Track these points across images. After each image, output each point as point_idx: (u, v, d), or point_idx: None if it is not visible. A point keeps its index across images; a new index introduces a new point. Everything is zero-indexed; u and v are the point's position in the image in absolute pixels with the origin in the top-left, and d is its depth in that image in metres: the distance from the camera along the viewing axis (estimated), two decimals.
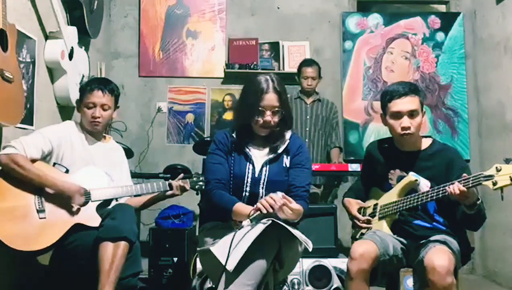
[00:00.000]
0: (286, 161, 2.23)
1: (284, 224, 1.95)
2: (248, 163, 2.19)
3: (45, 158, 2.46)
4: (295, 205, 2.00)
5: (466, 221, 2.20)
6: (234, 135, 2.25)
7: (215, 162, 2.22)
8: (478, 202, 2.09)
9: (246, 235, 1.89)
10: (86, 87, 2.59)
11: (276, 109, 2.16)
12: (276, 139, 2.23)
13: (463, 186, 2.02)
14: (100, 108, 2.55)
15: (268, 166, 2.19)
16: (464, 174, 2.07)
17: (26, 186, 2.33)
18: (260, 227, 1.89)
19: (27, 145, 2.35)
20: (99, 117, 2.55)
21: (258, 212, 1.96)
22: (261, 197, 2.14)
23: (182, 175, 2.70)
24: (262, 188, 2.16)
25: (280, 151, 2.22)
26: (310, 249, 2.07)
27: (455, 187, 2.03)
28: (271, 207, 1.95)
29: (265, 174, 2.18)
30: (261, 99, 2.14)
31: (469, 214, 2.12)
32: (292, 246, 2.06)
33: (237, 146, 2.23)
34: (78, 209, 2.36)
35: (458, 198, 2.06)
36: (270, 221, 1.92)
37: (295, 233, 1.98)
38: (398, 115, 2.29)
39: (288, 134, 2.27)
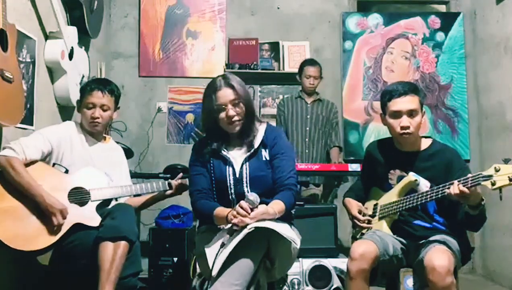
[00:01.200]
0: (265, 154, 2.23)
1: (268, 226, 1.94)
2: (227, 167, 2.19)
3: (45, 158, 2.46)
4: (266, 212, 1.99)
5: (468, 222, 2.19)
6: (209, 142, 2.24)
7: (195, 173, 2.24)
8: (482, 203, 2.08)
9: (231, 240, 1.91)
10: (86, 88, 2.59)
11: (236, 101, 2.16)
12: (248, 132, 2.22)
13: (463, 186, 2.02)
14: (99, 108, 2.55)
15: (247, 163, 2.19)
16: (469, 175, 2.07)
17: None
18: (244, 232, 1.90)
19: (27, 147, 2.35)
20: (98, 118, 2.55)
21: (235, 227, 1.95)
22: None
23: (181, 174, 2.71)
24: (246, 186, 2.15)
25: (256, 145, 2.22)
26: (298, 246, 2.09)
27: (455, 188, 2.03)
28: (244, 216, 1.94)
29: (246, 172, 2.17)
30: (216, 98, 2.16)
31: (471, 215, 2.11)
32: (282, 243, 2.04)
33: (214, 152, 2.23)
34: (59, 228, 2.29)
35: (458, 199, 2.06)
36: (253, 229, 1.91)
37: (280, 231, 1.97)
38: (397, 115, 2.29)
39: (263, 127, 2.28)
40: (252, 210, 1.96)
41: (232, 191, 2.17)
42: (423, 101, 2.39)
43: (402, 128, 2.28)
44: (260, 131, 2.26)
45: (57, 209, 2.28)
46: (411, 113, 2.28)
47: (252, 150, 2.21)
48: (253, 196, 1.99)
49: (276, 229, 1.95)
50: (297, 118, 4.04)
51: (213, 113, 2.18)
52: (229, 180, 2.18)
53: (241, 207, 1.96)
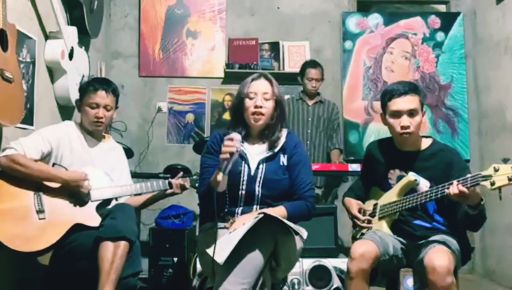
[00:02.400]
0: (283, 159, 2.21)
1: (277, 215, 1.94)
2: (243, 162, 2.18)
3: (44, 158, 2.45)
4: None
5: (468, 222, 2.19)
6: (229, 131, 2.22)
7: (205, 166, 2.23)
8: (482, 203, 2.08)
9: (238, 229, 1.90)
10: (89, 87, 2.58)
11: (267, 95, 2.16)
12: (272, 133, 2.21)
13: (462, 186, 2.02)
14: (103, 108, 2.55)
15: (264, 164, 2.18)
16: (468, 175, 2.06)
17: (25, 186, 2.33)
18: (251, 221, 1.89)
19: (26, 146, 2.35)
20: (102, 118, 2.55)
21: (225, 162, 1.97)
22: (258, 195, 2.13)
23: (181, 173, 2.71)
24: (259, 186, 2.14)
25: (276, 150, 2.21)
26: (305, 237, 2.07)
27: (454, 188, 2.03)
28: (231, 147, 1.96)
29: (261, 172, 2.16)
30: (251, 86, 2.18)
31: (471, 215, 2.11)
32: (288, 243, 2.03)
33: None
34: (88, 194, 2.40)
35: (457, 199, 2.06)
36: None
37: (287, 223, 1.96)
38: (397, 114, 2.29)
39: (284, 133, 2.27)
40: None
41: (243, 187, 2.15)
42: (424, 101, 2.38)
43: (402, 127, 2.28)
44: (282, 136, 2.25)
45: (79, 178, 2.38)
46: (411, 113, 2.28)
47: (272, 153, 2.20)
48: (236, 135, 1.99)
49: (284, 221, 1.94)
50: (298, 120, 4.04)
51: (243, 99, 2.17)
52: (242, 176, 2.15)
53: (229, 139, 1.97)
